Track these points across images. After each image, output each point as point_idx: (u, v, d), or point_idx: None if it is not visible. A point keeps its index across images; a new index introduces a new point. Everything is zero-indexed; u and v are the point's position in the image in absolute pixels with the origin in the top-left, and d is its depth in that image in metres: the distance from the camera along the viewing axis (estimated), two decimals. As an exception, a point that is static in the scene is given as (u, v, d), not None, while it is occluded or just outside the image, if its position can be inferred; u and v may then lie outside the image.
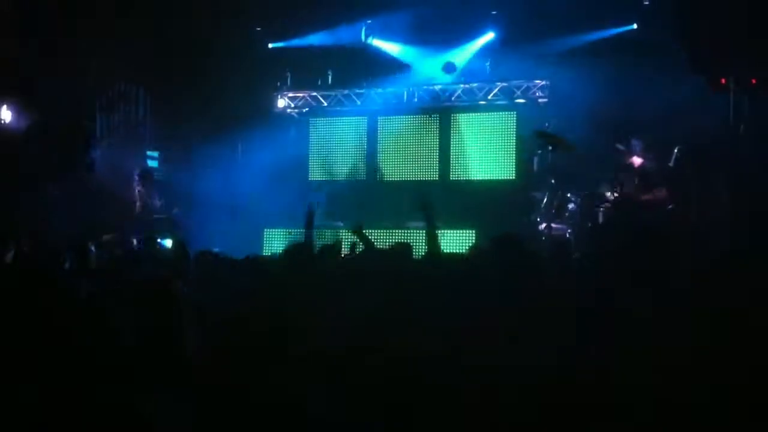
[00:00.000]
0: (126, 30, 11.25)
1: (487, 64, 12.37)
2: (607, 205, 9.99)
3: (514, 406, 2.94)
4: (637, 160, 10.17)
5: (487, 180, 12.52)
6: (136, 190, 11.36)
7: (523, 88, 12.29)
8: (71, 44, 10.94)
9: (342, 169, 13.46)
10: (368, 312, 3.41)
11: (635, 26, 11.31)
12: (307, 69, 13.35)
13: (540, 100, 12.15)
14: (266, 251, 11.23)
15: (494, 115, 12.70)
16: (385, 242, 9.95)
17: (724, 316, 3.28)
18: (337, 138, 13.59)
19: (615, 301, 3.60)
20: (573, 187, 10.29)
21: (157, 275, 4.73)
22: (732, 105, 9.68)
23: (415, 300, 3.57)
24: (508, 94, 12.43)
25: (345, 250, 7.31)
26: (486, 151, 12.67)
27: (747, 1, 9.59)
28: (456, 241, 11.05)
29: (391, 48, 12.91)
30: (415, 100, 13.08)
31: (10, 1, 10.13)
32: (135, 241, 9.80)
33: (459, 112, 12.96)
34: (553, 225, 10.25)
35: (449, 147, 12.94)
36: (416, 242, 8.82)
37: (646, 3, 11.19)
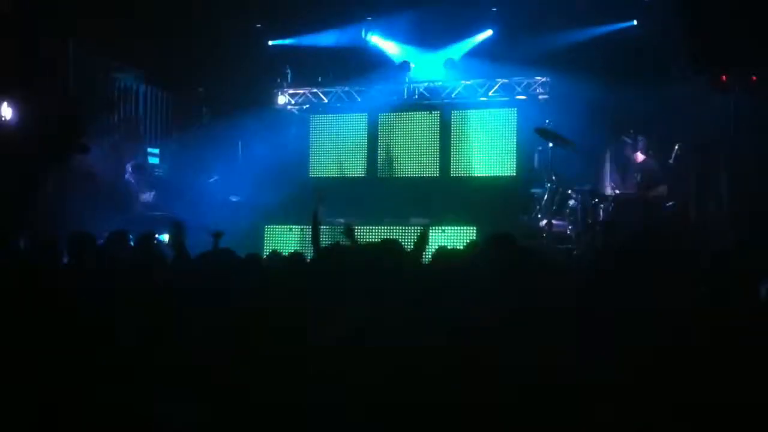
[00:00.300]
0: (127, 29, 11.24)
1: (488, 60, 12.36)
2: (608, 201, 9.99)
3: (513, 406, 2.94)
4: (639, 157, 10.16)
5: (488, 176, 12.52)
6: (129, 181, 11.44)
7: (524, 84, 12.28)
8: (72, 42, 10.94)
9: (342, 166, 13.48)
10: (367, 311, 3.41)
11: (635, 23, 11.30)
12: (307, 65, 13.35)
13: (540, 97, 12.13)
14: (266, 248, 11.21)
15: (495, 111, 12.70)
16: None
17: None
18: (338, 135, 13.60)
19: (615, 300, 3.60)
20: (574, 184, 10.29)
21: (154, 273, 4.72)
22: (732, 102, 9.67)
23: (411, 299, 3.57)
24: (508, 90, 12.42)
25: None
26: (487, 148, 12.68)
27: (747, -2, 9.58)
28: (457, 237, 11.06)
29: (391, 45, 12.92)
30: (416, 96, 13.07)
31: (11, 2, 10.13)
32: (132, 239, 9.80)
33: (460, 109, 12.97)
34: (553, 222, 10.25)
35: (450, 144, 12.95)
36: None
37: (647, 0, 11.18)
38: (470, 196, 11.98)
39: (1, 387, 2.96)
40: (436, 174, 12.92)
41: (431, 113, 13.08)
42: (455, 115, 12.98)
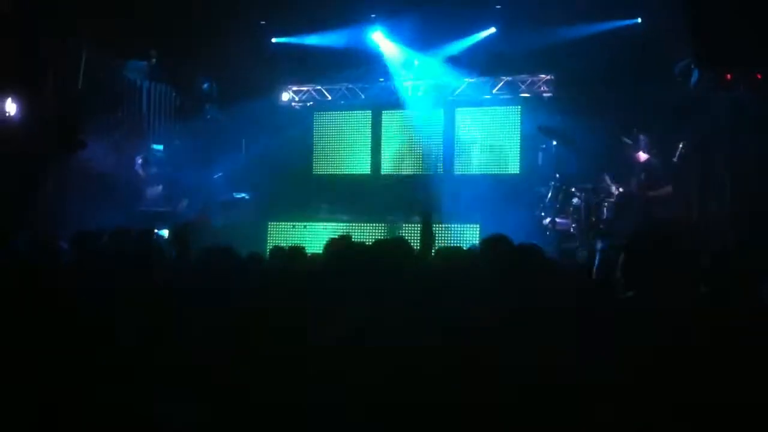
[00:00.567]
0: (127, 28, 11.24)
1: (492, 58, 12.34)
2: (612, 200, 9.98)
3: (513, 406, 2.94)
4: (642, 156, 10.15)
5: (492, 174, 12.51)
6: (137, 173, 11.48)
7: (528, 82, 12.28)
8: (72, 41, 10.95)
9: (346, 163, 13.48)
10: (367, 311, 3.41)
11: (639, 20, 11.27)
12: (311, 63, 13.34)
13: (545, 95, 12.13)
14: (269, 245, 11.22)
15: (499, 109, 12.69)
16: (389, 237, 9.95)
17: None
18: (341, 132, 13.60)
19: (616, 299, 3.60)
20: (577, 182, 10.28)
21: (154, 273, 4.73)
22: (734, 101, 9.65)
23: (411, 299, 3.57)
24: (512, 88, 12.42)
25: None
26: (490, 146, 12.67)
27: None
28: (460, 235, 11.06)
29: (395, 42, 12.90)
30: (420, 94, 13.05)
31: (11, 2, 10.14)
32: (134, 235, 9.81)
33: (463, 107, 12.95)
34: (557, 219, 10.25)
35: (454, 141, 12.93)
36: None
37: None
38: (474, 193, 11.97)
39: (1, 387, 2.96)
40: (440, 171, 12.91)
41: (435, 111, 13.07)
42: (459, 112, 12.97)
